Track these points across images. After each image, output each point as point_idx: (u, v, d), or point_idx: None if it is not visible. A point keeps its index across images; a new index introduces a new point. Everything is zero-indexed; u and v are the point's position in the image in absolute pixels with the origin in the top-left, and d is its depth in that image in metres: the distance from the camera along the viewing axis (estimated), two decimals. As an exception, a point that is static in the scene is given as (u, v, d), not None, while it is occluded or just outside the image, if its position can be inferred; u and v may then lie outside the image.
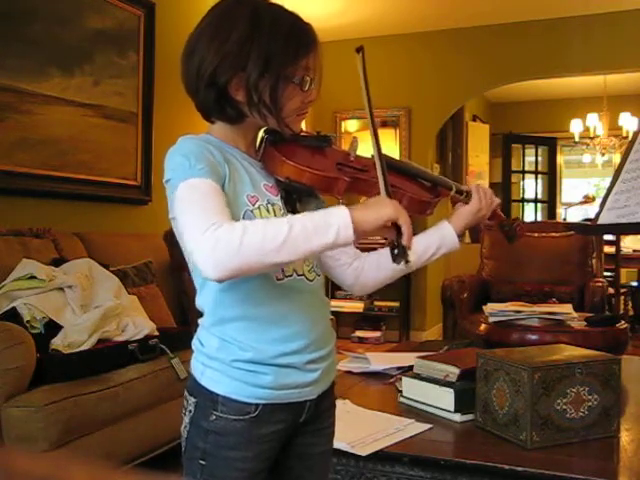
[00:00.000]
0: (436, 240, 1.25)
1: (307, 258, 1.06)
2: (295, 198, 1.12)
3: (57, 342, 2.31)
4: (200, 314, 1.11)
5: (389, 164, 1.16)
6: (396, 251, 1.00)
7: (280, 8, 1.08)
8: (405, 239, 0.99)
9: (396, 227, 0.99)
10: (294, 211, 1.11)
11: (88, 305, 2.53)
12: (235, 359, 1.04)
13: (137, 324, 2.61)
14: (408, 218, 1.00)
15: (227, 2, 1.09)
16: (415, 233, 1.05)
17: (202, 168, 0.97)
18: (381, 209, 0.98)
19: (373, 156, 1.18)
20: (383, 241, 1.07)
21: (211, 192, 0.96)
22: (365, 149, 1.20)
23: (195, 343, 1.11)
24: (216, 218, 0.92)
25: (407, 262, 1.00)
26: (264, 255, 0.90)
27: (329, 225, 0.93)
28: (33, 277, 2.45)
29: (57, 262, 2.70)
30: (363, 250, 1.26)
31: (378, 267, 1.24)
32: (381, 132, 5.72)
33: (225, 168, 1.03)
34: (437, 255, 1.25)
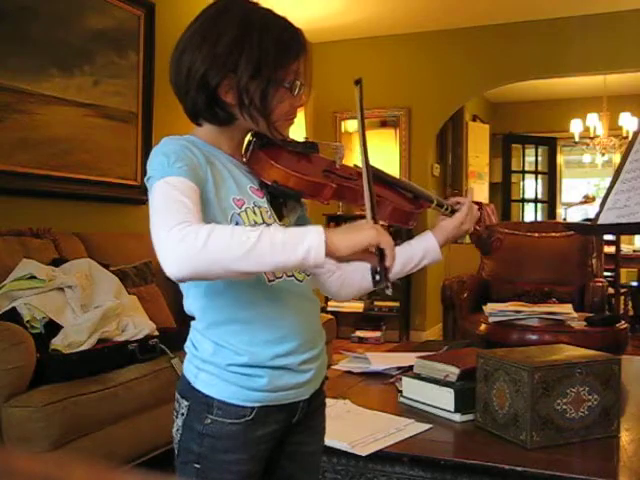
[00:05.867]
0: (419, 251, 1.26)
1: (278, 271, 1.04)
2: (281, 202, 1.13)
3: (57, 342, 2.31)
4: (191, 317, 1.11)
5: (374, 175, 1.16)
6: (377, 277, 0.97)
7: (270, 12, 1.08)
8: (387, 262, 0.96)
9: (379, 252, 0.96)
10: (280, 215, 1.12)
11: (88, 305, 2.53)
12: (230, 363, 1.04)
13: (137, 324, 2.61)
14: (391, 242, 0.96)
15: (217, 6, 1.09)
16: (401, 242, 1.04)
17: (180, 167, 0.97)
18: (361, 233, 0.94)
19: (356, 165, 1.19)
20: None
21: (186, 191, 0.95)
22: (358, 156, 1.21)
23: (188, 346, 1.10)
24: (186, 217, 0.90)
25: (388, 287, 0.98)
26: (225, 261, 0.88)
27: (300, 243, 0.90)
28: (33, 277, 2.45)
29: (57, 262, 2.70)
30: None
31: (361, 276, 1.24)
32: (381, 132, 5.73)
33: (207, 170, 1.02)
34: (419, 266, 1.27)
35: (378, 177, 1.22)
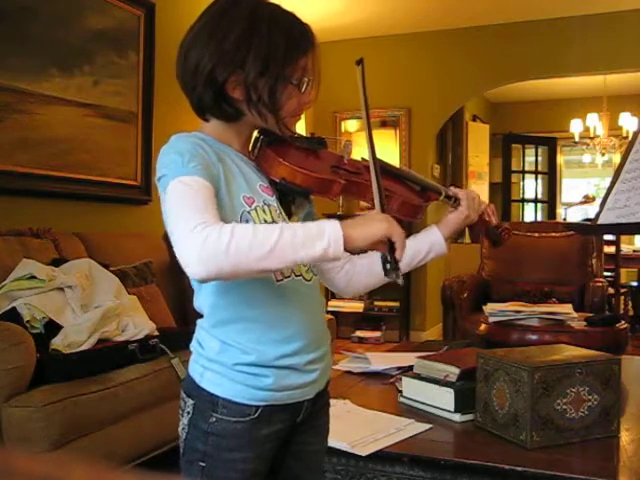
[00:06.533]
0: (425, 245, 1.27)
1: (294, 267, 1.06)
2: (290, 199, 1.13)
3: (57, 342, 2.31)
4: (199, 315, 1.11)
5: (381, 167, 1.16)
6: (388, 266, 0.99)
7: (278, 8, 1.08)
8: (398, 254, 0.98)
9: (389, 242, 0.98)
10: (289, 212, 1.12)
11: (88, 305, 2.53)
12: (237, 362, 1.04)
13: (137, 324, 2.61)
14: (402, 233, 0.98)
15: (224, 1, 1.08)
16: (406, 236, 1.05)
17: (195, 166, 0.97)
18: (374, 225, 0.97)
19: (364, 159, 1.19)
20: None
21: (202, 190, 0.95)
22: (360, 152, 1.21)
23: (194, 345, 1.10)
24: (206, 217, 0.91)
25: (398, 277, 1.00)
26: (250, 260, 0.89)
27: (319, 238, 0.92)
28: (33, 277, 2.45)
29: (57, 262, 2.70)
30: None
31: (369, 272, 1.24)
32: (381, 132, 5.72)
33: (219, 167, 1.02)
34: (426, 260, 1.28)
35: (386, 170, 1.21)
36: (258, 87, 1.03)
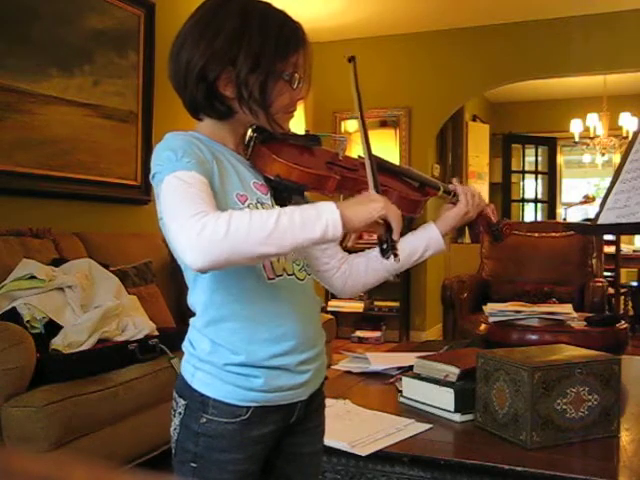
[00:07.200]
0: (423, 243, 1.26)
1: (294, 251, 1.05)
2: (285, 197, 1.12)
3: (57, 342, 2.31)
4: (192, 313, 1.11)
5: (378, 164, 1.16)
6: (385, 246, 1.00)
7: (269, 6, 1.08)
8: (394, 234, 0.99)
9: (385, 222, 0.99)
10: None
11: (88, 305, 2.53)
12: (227, 362, 1.04)
13: (137, 324, 2.61)
14: (398, 213, 1.00)
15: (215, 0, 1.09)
16: (403, 234, 1.05)
17: (189, 161, 0.97)
18: (371, 205, 0.98)
19: (360, 156, 1.19)
20: (372, 243, 1.08)
21: (197, 184, 0.95)
22: (359, 152, 1.21)
23: (186, 345, 1.10)
24: (202, 207, 0.91)
25: (396, 256, 1.01)
26: (249, 245, 0.89)
27: (318, 220, 0.92)
28: (33, 277, 2.45)
29: (57, 262, 2.70)
30: (352, 252, 1.27)
31: (366, 271, 1.24)
32: (381, 132, 5.73)
33: (213, 165, 1.02)
34: (424, 257, 1.27)
35: (383, 167, 1.22)
36: (249, 83, 1.04)
